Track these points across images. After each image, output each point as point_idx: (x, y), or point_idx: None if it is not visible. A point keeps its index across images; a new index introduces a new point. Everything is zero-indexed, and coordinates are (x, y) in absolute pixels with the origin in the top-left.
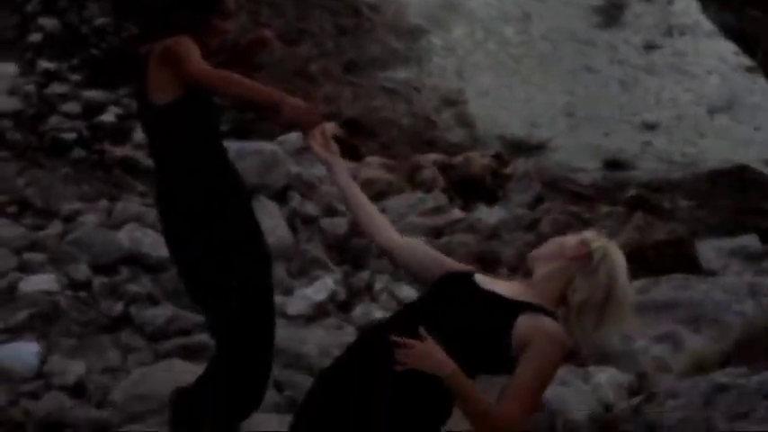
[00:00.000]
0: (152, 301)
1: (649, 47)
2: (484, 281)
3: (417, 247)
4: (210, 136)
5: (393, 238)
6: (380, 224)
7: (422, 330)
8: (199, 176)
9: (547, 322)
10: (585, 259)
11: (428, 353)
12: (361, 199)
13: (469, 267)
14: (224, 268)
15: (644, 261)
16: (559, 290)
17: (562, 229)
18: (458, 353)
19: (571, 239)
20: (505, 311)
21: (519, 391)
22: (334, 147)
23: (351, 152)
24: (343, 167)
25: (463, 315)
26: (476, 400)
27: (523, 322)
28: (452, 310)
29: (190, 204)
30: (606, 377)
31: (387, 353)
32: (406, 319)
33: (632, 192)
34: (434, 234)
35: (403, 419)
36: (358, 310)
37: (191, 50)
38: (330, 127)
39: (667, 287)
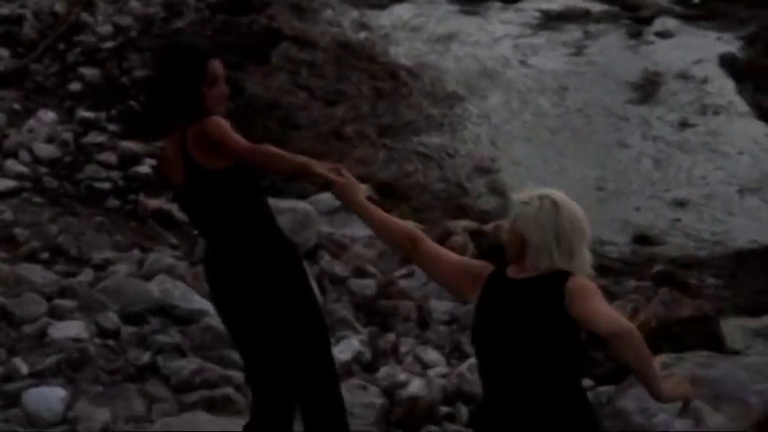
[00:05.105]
0: (179, 352)
1: (683, 124)
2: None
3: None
4: (260, 196)
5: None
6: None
7: None
8: (253, 238)
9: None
10: None
11: None
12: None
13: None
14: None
15: (669, 337)
16: None
17: None
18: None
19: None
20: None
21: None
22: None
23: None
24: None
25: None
26: None
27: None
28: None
29: (248, 273)
30: None
31: None
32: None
33: (660, 267)
34: (462, 299)
35: None
36: (382, 372)
37: (228, 131)
38: (363, 189)
39: (690, 364)
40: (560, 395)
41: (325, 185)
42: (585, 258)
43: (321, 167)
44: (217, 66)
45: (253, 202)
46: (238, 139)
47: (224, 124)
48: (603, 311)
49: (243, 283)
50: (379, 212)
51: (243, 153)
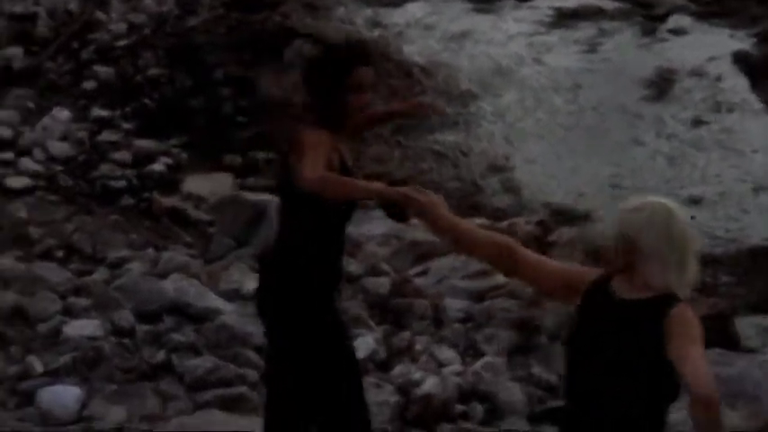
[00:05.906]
0: (194, 350)
1: (697, 122)
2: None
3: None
4: (341, 224)
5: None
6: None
7: None
8: (317, 267)
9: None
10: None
11: None
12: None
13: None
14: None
15: None
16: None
17: None
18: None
19: None
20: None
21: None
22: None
23: (398, 214)
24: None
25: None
26: None
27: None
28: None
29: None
30: None
31: None
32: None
33: None
34: (476, 298)
35: None
36: (397, 370)
37: (313, 153)
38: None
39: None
40: (642, 420)
41: (399, 210)
42: (695, 270)
43: (396, 192)
44: (363, 73)
45: (330, 230)
46: (313, 166)
47: (315, 145)
48: (696, 363)
49: (290, 295)
50: (468, 227)
51: (309, 183)
